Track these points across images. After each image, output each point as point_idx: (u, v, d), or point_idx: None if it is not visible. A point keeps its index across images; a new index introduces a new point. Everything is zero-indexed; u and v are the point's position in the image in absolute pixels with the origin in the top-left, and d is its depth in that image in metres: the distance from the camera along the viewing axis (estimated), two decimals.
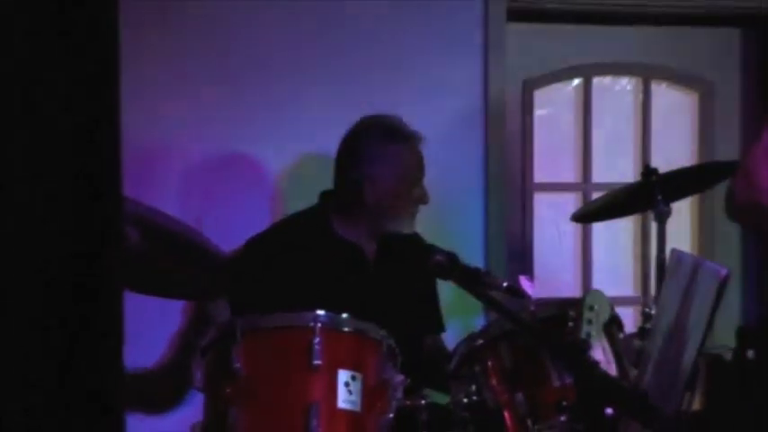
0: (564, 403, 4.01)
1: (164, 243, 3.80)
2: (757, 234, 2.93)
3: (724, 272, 3.64)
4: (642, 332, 4.67)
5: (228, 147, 5.83)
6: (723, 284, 3.67)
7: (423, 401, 4.39)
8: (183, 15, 5.70)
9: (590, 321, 4.26)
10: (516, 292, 3.93)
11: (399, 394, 4.14)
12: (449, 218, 5.95)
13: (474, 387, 4.37)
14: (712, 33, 6.61)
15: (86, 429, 1.43)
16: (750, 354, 4.12)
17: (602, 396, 2.60)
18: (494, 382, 4.31)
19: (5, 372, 1.38)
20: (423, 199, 4.96)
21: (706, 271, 3.61)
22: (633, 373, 4.02)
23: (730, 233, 6.27)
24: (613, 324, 4.42)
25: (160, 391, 4.60)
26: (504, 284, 3.87)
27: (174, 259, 3.94)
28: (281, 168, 5.87)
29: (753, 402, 3.10)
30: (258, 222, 5.49)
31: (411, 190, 4.95)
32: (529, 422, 4.19)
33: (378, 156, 4.92)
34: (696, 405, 4.19)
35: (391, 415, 4.09)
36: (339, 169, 5.01)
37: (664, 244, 5.04)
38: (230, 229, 4.58)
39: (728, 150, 6.15)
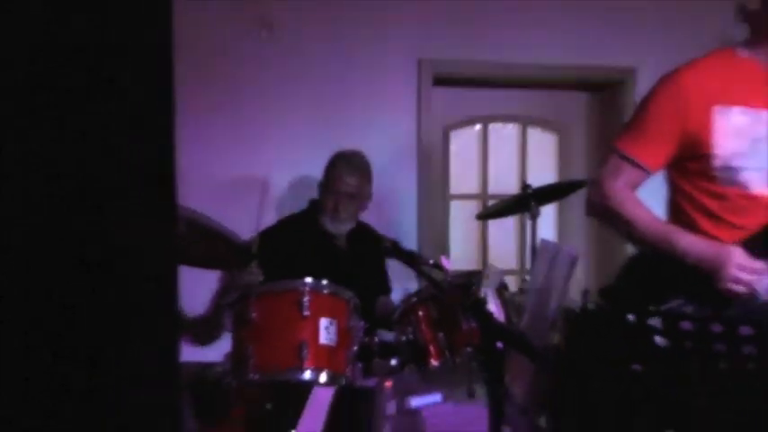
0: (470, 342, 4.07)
1: (199, 231, 3.83)
2: (603, 225, 2.97)
3: (574, 253, 3.72)
4: (521, 292, 4.74)
5: (236, 167, 5.85)
6: (574, 261, 3.72)
7: (376, 339, 4.45)
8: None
9: (487, 285, 4.32)
10: (438, 266, 3.95)
11: (361, 334, 4.20)
12: (395, 217, 5.95)
13: (410, 329, 4.42)
14: (569, 95, 6.63)
15: (150, 374, 1.41)
16: (591, 306, 4.18)
17: (495, 335, 2.64)
18: (423, 326, 4.35)
19: (109, 317, 1.39)
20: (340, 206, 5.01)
21: (563, 253, 3.68)
22: (515, 320, 4.09)
23: (580, 227, 6.34)
24: (502, 287, 4.49)
25: (205, 332, 4.63)
26: (431, 262, 3.90)
27: (208, 242, 3.98)
28: (280, 183, 5.88)
29: (591, 339, 3.13)
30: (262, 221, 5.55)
31: (329, 198, 5.02)
32: (447, 353, 4.25)
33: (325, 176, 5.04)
34: (555, 340, 4.23)
35: (356, 348, 4.14)
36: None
37: (535, 234, 5.09)
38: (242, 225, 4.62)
39: (578, 173, 6.20)
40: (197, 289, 5.11)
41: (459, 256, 6.38)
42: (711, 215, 2.94)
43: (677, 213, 3.05)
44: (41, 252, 1.30)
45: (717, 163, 2.90)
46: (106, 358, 1.30)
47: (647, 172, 3.02)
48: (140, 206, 1.36)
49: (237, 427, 4.06)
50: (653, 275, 2.97)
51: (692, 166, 2.96)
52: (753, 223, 2.87)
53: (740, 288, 2.79)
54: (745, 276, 2.79)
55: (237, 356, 4.10)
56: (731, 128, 2.89)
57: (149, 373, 1.34)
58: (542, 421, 4.39)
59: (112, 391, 1.29)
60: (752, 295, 2.82)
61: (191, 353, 4.66)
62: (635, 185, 3.07)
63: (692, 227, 2.96)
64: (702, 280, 2.85)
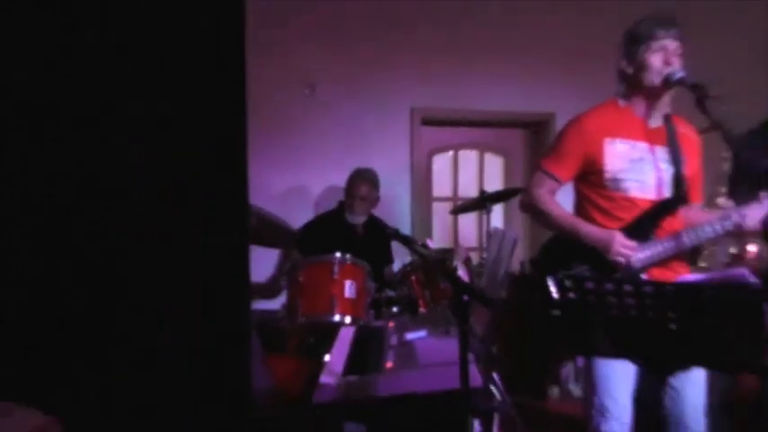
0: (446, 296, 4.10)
1: (265, 222, 3.85)
2: (533, 218, 2.97)
3: (515, 236, 3.73)
4: (481, 263, 4.75)
5: (288, 182, 5.88)
6: (515, 242, 3.74)
7: (383, 294, 4.49)
8: None
9: (457, 259, 4.34)
10: (425, 246, 3.98)
11: (373, 291, 4.23)
12: (396, 212, 5.96)
13: (406, 288, 4.45)
14: (512, 131, 6.64)
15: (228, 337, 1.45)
16: (526, 271, 4.21)
17: (463, 292, 2.66)
18: (415, 286, 4.38)
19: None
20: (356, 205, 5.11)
21: (507, 236, 3.70)
22: (477, 281, 4.11)
23: (519, 219, 6.33)
24: (468, 260, 4.50)
25: (270, 290, 4.65)
26: (420, 243, 3.92)
27: (271, 230, 3.99)
28: (318, 190, 5.92)
29: (526, 293, 3.15)
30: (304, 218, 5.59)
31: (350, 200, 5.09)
32: (431, 304, 4.28)
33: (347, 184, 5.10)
34: (503, 295, 4.25)
35: (369, 300, 4.19)
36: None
37: (489, 224, 5.11)
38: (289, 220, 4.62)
39: (517, 183, 6.18)
40: (267, 261, 5.15)
41: (438, 239, 6.37)
42: (603, 211, 2.96)
43: (581, 210, 3.06)
44: (168, 235, 1.34)
45: (607, 176, 2.93)
46: (206, 305, 1.34)
47: (560, 182, 3.05)
48: (225, 208, 1.39)
49: (291, 354, 4.10)
50: (565, 251, 2.99)
51: (591, 179, 2.98)
52: (630, 216, 2.91)
53: (621, 260, 2.83)
54: (624, 252, 2.83)
55: (290, 306, 4.17)
56: (616, 153, 2.92)
57: (230, 316, 1.37)
58: (494, 348, 4.42)
59: (210, 326, 1.33)
60: (629, 264, 2.86)
61: (264, 305, 4.71)
62: (553, 191, 3.08)
63: (590, 219, 2.98)
64: (597, 255, 2.89)
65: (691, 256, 3.58)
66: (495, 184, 6.52)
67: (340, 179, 5.35)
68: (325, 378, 2.95)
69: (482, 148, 6.73)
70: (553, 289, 2.83)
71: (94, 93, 1.31)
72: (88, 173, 1.31)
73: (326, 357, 3.18)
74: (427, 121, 6.27)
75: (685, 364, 2.30)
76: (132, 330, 1.35)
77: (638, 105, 2.99)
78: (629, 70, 2.96)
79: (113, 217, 1.31)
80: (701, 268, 3.90)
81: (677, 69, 2.85)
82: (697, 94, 2.76)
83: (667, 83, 2.87)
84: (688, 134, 3.08)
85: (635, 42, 2.93)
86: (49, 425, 1.26)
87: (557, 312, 2.29)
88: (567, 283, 2.13)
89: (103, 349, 1.33)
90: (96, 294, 1.32)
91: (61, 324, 1.30)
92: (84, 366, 1.32)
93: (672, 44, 2.88)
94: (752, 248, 3.82)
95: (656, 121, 2.99)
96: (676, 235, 2.90)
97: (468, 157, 6.74)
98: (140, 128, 1.34)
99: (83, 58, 1.31)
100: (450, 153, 6.68)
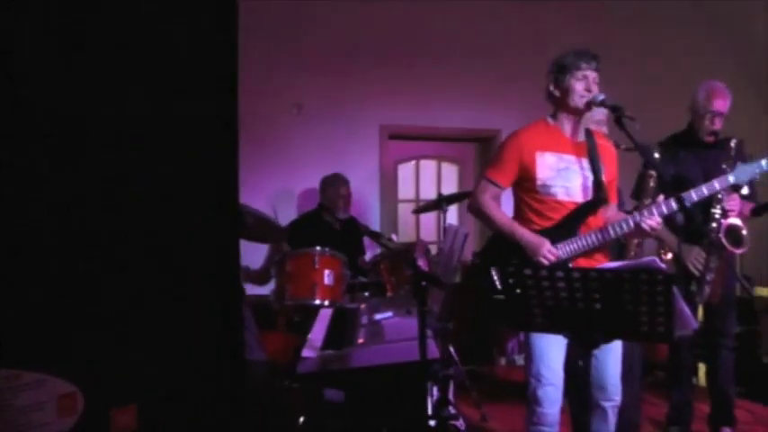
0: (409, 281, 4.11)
1: (257, 219, 3.83)
2: (478, 219, 2.97)
3: (466, 231, 3.74)
4: (439, 253, 4.76)
5: (274, 185, 5.88)
6: (466, 236, 3.74)
7: (357, 281, 4.49)
8: None
9: (418, 250, 4.36)
10: (390, 240, 4.00)
11: (348, 278, 4.23)
12: (367, 212, 5.97)
13: (375, 276, 4.46)
14: (465, 144, 6.65)
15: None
16: (474, 261, 4.22)
17: (423, 278, 2.67)
18: (384, 274, 4.39)
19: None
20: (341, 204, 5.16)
21: (460, 231, 3.71)
22: (435, 269, 4.12)
23: (470, 218, 6.36)
24: (427, 251, 4.52)
25: (261, 277, 4.63)
26: (387, 237, 3.93)
27: (263, 226, 3.97)
28: (300, 193, 5.91)
29: (474, 280, 3.16)
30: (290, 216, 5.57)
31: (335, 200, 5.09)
32: (397, 288, 4.29)
33: (324, 187, 5.07)
34: (456, 280, 4.27)
35: (345, 286, 4.19)
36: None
37: (445, 221, 5.14)
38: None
39: (468, 187, 6.19)
40: (258, 253, 5.12)
41: (402, 234, 6.33)
42: (537, 212, 2.98)
43: (519, 211, 3.07)
44: (171, 230, 1.33)
45: (538, 183, 2.95)
46: (208, 291, 1.33)
47: (501, 188, 3.05)
48: (219, 210, 1.39)
49: (279, 330, 4.10)
50: (504, 248, 3.00)
51: (525, 185, 3.00)
52: (559, 216, 2.93)
53: (544, 262, 2.85)
54: (549, 257, 2.86)
55: (279, 291, 4.15)
56: (545, 164, 2.94)
57: (227, 299, 1.36)
58: (450, 325, 4.44)
59: (209, 306, 1.32)
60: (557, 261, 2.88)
61: (253, 290, 4.69)
62: (496, 196, 3.09)
63: (526, 218, 3.00)
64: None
65: (618, 251, 3.63)
66: (450, 188, 6.53)
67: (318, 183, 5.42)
68: (306, 352, 2.96)
69: (440, 158, 6.73)
70: (497, 278, 2.87)
71: (94, 95, 1.26)
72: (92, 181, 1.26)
73: (309, 335, 3.19)
74: (393, 136, 6.28)
75: (608, 337, 2.33)
76: (141, 305, 1.32)
77: (565, 123, 3.02)
78: (557, 93, 3.00)
79: (115, 216, 1.28)
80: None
81: (598, 94, 2.90)
82: (615, 113, 2.80)
83: (590, 104, 2.92)
84: (606, 146, 3.11)
85: (562, 71, 2.97)
86: (74, 393, 1.26)
87: (500, 297, 2.32)
88: (509, 272, 2.15)
89: (111, 330, 1.30)
90: (100, 292, 1.28)
91: (65, 305, 1.26)
92: (95, 341, 1.29)
93: (592, 74, 2.93)
94: (668, 256, 3.89)
95: (579, 136, 3.02)
96: (597, 231, 2.93)
97: (428, 166, 6.74)
98: (145, 130, 1.31)
99: (89, 59, 1.26)
100: (413, 162, 6.67)
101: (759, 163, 3.10)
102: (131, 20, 1.29)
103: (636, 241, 3.66)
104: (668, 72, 6.28)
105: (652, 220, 2.86)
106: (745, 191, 3.50)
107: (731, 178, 3.07)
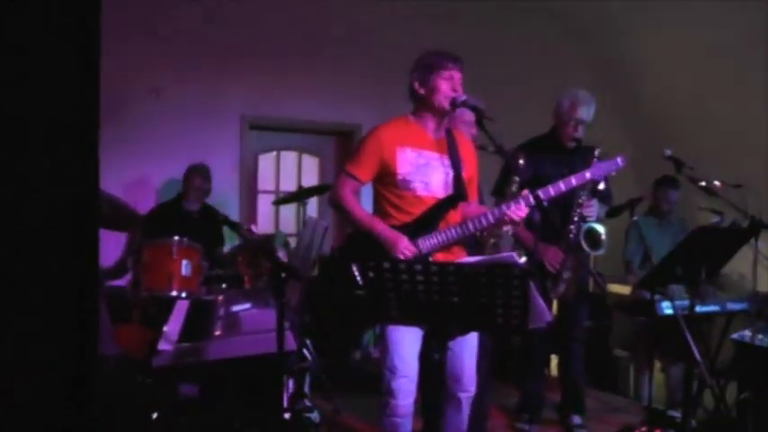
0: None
1: (113, 207, 3.66)
2: (337, 214, 2.96)
3: (326, 224, 3.75)
4: (297, 246, 4.74)
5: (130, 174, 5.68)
6: (326, 229, 3.76)
7: (214, 272, 4.42)
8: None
9: (277, 242, 4.35)
10: (250, 230, 3.95)
11: (206, 270, 4.16)
12: (227, 202, 5.85)
13: (233, 267, 4.42)
14: (326, 137, 6.69)
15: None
16: (333, 255, 4.23)
17: (281, 270, 2.66)
18: (241, 265, 4.33)
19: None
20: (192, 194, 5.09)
21: (320, 224, 3.73)
22: (293, 261, 4.10)
23: (330, 210, 6.36)
24: (286, 243, 4.52)
25: (118, 271, 4.41)
26: (246, 228, 3.89)
27: (119, 214, 3.81)
28: (159, 182, 5.74)
29: (332, 273, 3.17)
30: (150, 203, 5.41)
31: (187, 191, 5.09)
32: (254, 280, 4.24)
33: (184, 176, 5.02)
34: (315, 273, 4.27)
35: (202, 277, 4.11)
36: None
37: (306, 213, 5.09)
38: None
39: (329, 180, 6.16)
40: (116, 243, 4.88)
41: (262, 225, 6.30)
42: (396, 207, 3.00)
43: (378, 206, 3.09)
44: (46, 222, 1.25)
45: (399, 178, 2.96)
46: (63, 282, 1.26)
47: (361, 182, 3.05)
48: (77, 193, 1.32)
49: (134, 323, 3.96)
50: (363, 242, 3.00)
51: (385, 180, 3.01)
52: (419, 211, 2.97)
53: (402, 258, 2.87)
54: (406, 253, 2.89)
55: (135, 281, 4.02)
56: (406, 159, 2.96)
57: (83, 290, 1.30)
58: (306, 317, 4.45)
59: (66, 299, 1.25)
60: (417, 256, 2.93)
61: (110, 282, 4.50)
62: (355, 191, 3.10)
63: (385, 213, 3.02)
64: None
65: (476, 246, 3.73)
66: (311, 180, 6.51)
67: (179, 173, 5.26)
68: (162, 345, 2.89)
69: (301, 150, 6.70)
70: (357, 274, 2.88)
71: None
72: None
73: (165, 327, 3.12)
74: (254, 126, 6.22)
75: (463, 329, 2.39)
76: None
77: (427, 120, 3.04)
78: (422, 92, 3.01)
79: None
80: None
81: (461, 95, 2.95)
82: (476, 114, 2.87)
83: (453, 104, 2.95)
84: (466, 144, 3.18)
85: (428, 70, 2.99)
86: None
87: (360, 292, 2.33)
88: (369, 266, 2.17)
89: None
90: None
91: None
92: None
93: (457, 75, 2.97)
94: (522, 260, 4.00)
95: (440, 134, 3.06)
96: (457, 225, 2.99)
97: (289, 158, 6.69)
98: None
99: None
100: (274, 154, 6.61)
101: (615, 160, 3.24)
102: None
103: (492, 241, 3.74)
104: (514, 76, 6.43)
105: (521, 210, 2.91)
106: (601, 186, 3.63)
107: (587, 174, 3.16)
